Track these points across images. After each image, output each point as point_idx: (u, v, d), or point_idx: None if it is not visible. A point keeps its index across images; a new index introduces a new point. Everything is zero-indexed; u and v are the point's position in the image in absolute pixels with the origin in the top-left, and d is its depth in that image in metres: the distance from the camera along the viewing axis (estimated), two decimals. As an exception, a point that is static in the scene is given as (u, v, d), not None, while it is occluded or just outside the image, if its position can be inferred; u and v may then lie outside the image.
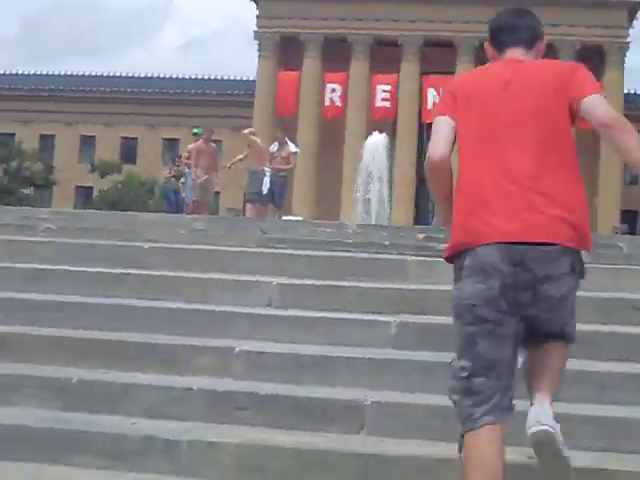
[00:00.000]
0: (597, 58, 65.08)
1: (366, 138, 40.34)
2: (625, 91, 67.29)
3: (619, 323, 7.62)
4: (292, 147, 26.79)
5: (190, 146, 26.79)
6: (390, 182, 56.88)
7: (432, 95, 64.89)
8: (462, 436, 4.68)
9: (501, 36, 5.09)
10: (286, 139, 26.99)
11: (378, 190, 35.49)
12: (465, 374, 4.69)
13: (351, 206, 39.22)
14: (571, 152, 4.92)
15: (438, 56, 65.48)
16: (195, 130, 26.98)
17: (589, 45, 64.82)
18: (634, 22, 67.57)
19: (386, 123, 64.80)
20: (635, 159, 4.77)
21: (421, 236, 18.09)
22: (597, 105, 4.79)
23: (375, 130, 42.34)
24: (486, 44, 5.18)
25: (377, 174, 36.15)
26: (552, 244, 4.66)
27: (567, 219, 4.70)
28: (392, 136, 64.41)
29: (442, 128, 4.98)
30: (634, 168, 4.86)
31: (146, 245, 9.76)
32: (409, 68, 66.32)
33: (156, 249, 9.60)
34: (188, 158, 26.40)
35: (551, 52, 63.65)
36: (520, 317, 4.75)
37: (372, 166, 36.25)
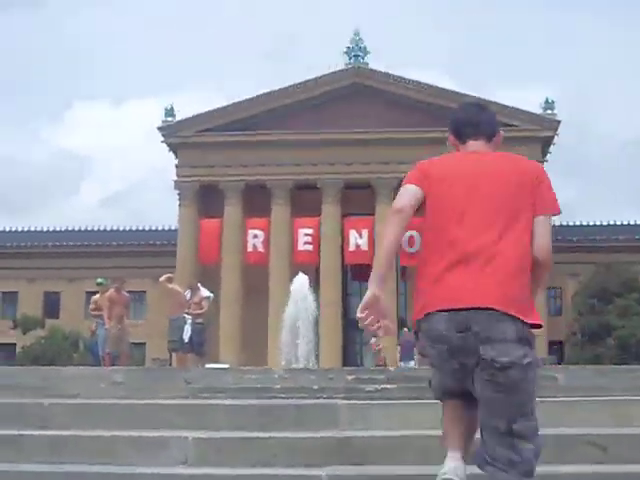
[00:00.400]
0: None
1: (291, 282, 40.08)
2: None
3: (579, 462, 7.04)
4: (204, 292, 26.57)
5: (95, 297, 26.11)
6: (317, 324, 56.87)
7: (354, 237, 65.19)
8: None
9: (465, 129, 5.59)
10: (198, 285, 26.88)
11: (304, 334, 35.01)
12: None
13: (278, 351, 38.57)
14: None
15: (358, 198, 66.00)
16: (99, 280, 26.38)
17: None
18: (547, 156, 68.83)
19: (310, 267, 64.84)
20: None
21: (350, 378, 17.57)
22: (542, 236, 5.21)
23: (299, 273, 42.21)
24: (448, 134, 5.70)
25: (303, 317, 35.76)
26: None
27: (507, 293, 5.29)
28: (316, 279, 64.65)
29: (411, 192, 5.46)
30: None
31: (47, 402, 8.94)
32: (330, 210, 66.65)
33: (59, 405, 8.80)
34: (94, 309, 25.71)
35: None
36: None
37: (298, 309, 35.87)
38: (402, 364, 33.28)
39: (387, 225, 5.34)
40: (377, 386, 16.74)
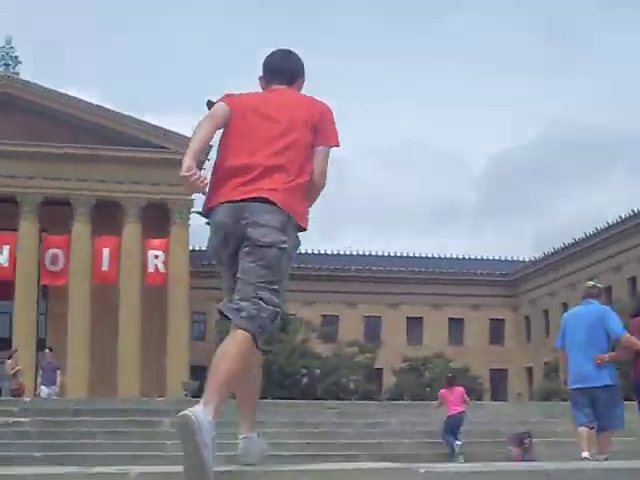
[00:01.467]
0: (163, 215, 66.03)
1: None
2: (190, 247, 68.40)
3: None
4: None
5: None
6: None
7: (49, 255, 62.60)
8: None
9: (269, 75, 6.38)
10: None
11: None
12: None
13: None
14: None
15: (56, 214, 63.41)
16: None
17: (155, 202, 65.57)
18: (197, 181, 69.10)
19: (3, 284, 61.65)
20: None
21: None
22: (320, 160, 6.03)
23: None
24: (259, 77, 6.44)
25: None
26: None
27: None
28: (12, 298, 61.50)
29: (220, 106, 6.07)
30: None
31: None
32: (27, 227, 63.76)
33: None
34: None
35: (118, 209, 63.89)
36: None
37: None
38: (44, 388, 30.97)
39: (201, 123, 6.04)
40: (8, 419, 15.89)
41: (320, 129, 6.06)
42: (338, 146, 6.12)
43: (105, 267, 64.07)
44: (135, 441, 15.16)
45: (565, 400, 19.67)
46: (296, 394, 64.10)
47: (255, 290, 5.63)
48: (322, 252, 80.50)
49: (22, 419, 15.44)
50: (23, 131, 64.38)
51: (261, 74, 6.52)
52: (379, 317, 79.79)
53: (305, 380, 65.24)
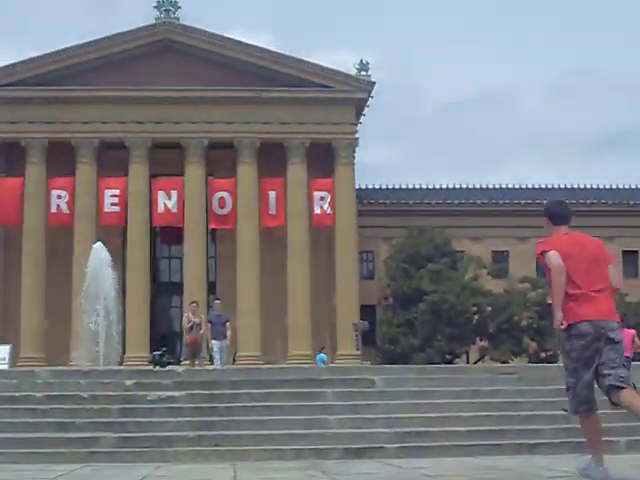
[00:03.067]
0: (328, 155, 65.20)
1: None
2: (356, 186, 67.47)
3: None
4: None
5: None
6: (123, 293, 54.73)
7: (163, 198, 63.13)
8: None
9: (558, 219, 10.21)
10: None
11: (104, 314, 32.77)
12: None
13: (82, 315, 35.92)
14: None
15: (167, 158, 63.77)
16: None
17: (319, 142, 64.74)
18: (361, 118, 68.02)
19: (116, 228, 62.48)
20: None
21: (130, 383, 15.78)
22: (616, 274, 10.43)
23: (104, 240, 40.09)
24: (545, 219, 10.25)
25: (103, 295, 33.53)
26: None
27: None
28: (123, 242, 62.39)
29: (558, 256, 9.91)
30: None
31: None
32: (138, 171, 64.09)
33: None
34: None
35: (281, 151, 63.40)
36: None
37: (98, 289, 33.55)
38: (215, 342, 29.32)
39: (556, 278, 9.69)
40: (161, 393, 15.04)
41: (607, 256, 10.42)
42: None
43: (272, 210, 63.84)
44: (297, 417, 14.04)
45: None
46: (467, 332, 62.86)
47: None
48: (490, 186, 78.26)
49: (175, 393, 14.48)
50: (186, 76, 64.34)
51: (547, 218, 10.39)
52: (551, 251, 77.22)
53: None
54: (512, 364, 15.69)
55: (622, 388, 9.14)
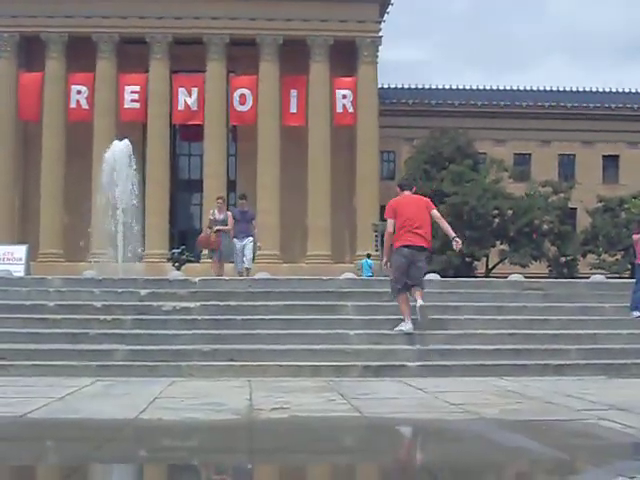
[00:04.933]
0: (351, 53, 64.14)
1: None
2: (379, 85, 66.50)
3: None
4: None
5: None
6: (143, 190, 54.30)
7: (183, 95, 62.37)
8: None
9: (402, 188, 16.00)
10: None
11: (123, 210, 32.06)
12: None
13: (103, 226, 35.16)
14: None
15: (188, 54, 62.80)
16: None
17: (342, 40, 63.60)
18: (385, 16, 66.72)
19: (136, 125, 61.83)
20: None
21: (144, 292, 15.36)
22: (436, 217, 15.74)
23: (123, 136, 39.26)
24: (397, 189, 16.24)
25: (122, 191, 32.76)
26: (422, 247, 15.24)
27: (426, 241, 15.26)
28: (143, 138, 61.76)
29: (390, 223, 15.36)
30: None
31: None
32: (158, 67, 63.19)
33: None
34: None
35: (304, 48, 62.29)
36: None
37: (117, 184, 32.79)
38: (237, 242, 26.77)
39: (386, 238, 15.54)
40: (176, 304, 14.62)
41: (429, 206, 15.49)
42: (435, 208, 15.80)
43: (293, 109, 63.03)
44: (315, 331, 13.65)
45: None
46: (487, 235, 62.41)
47: None
48: (513, 88, 76.99)
49: (190, 304, 14.06)
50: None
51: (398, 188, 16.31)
52: (573, 155, 76.28)
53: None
54: (538, 280, 15.00)
55: (402, 293, 14.70)
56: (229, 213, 25.80)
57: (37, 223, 61.76)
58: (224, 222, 25.16)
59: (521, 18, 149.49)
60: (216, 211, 26.06)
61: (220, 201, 26.40)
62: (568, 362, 12.98)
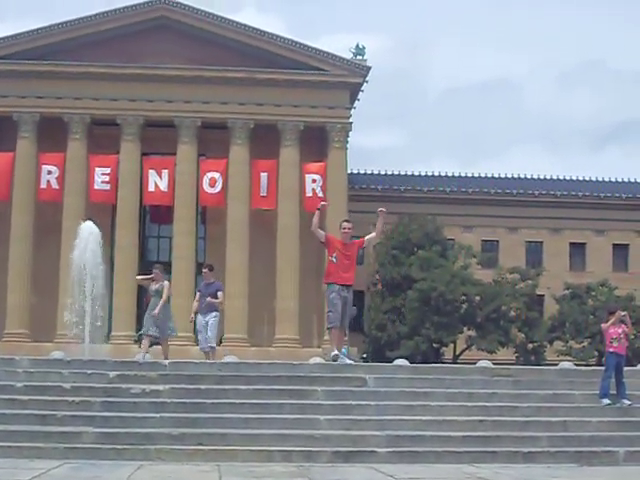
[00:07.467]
0: (321, 138, 64.68)
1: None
2: (348, 171, 66.97)
3: None
4: None
5: None
6: (111, 271, 54.13)
7: (153, 177, 62.58)
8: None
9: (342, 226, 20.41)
10: None
11: (91, 292, 31.90)
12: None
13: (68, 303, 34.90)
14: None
15: (159, 136, 63.16)
16: None
17: (313, 125, 64.19)
18: (356, 103, 67.44)
19: (106, 206, 61.89)
20: None
21: (113, 374, 15.23)
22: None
23: (93, 217, 39.16)
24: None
25: (90, 273, 32.63)
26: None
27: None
28: (113, 220, 61.78)
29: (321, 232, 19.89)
30: None
31: None
32: (129, 148, 63.43)
33: None
34: None
35: (274, 133, 62.85)
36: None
37: (85, 266, 32.67)
38: (200, 318, 25.87)
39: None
40: (145, 387, 14.52)
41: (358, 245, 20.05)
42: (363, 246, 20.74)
43: (264, 192, 63.32)
44: (285, 415, 13.58)
45: None
46: (455, 321, 62.46)
47: None
48: (482, 175, 77.81)
49: (159, 387, 13.98)
50: (181, 55, 63.70)
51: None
52: (540, 242, 76.88)
53: None
54: (507, 367, 15.11)
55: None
56: (166, 283, 24.80)
57: (4, 301, 61.31)
58: (157, 292, 24.35)
59: (495, 106, 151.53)
60: (152, 282, 24.86)
61: (156, 270, 25.33)
62: (538, 449, 12.99)
